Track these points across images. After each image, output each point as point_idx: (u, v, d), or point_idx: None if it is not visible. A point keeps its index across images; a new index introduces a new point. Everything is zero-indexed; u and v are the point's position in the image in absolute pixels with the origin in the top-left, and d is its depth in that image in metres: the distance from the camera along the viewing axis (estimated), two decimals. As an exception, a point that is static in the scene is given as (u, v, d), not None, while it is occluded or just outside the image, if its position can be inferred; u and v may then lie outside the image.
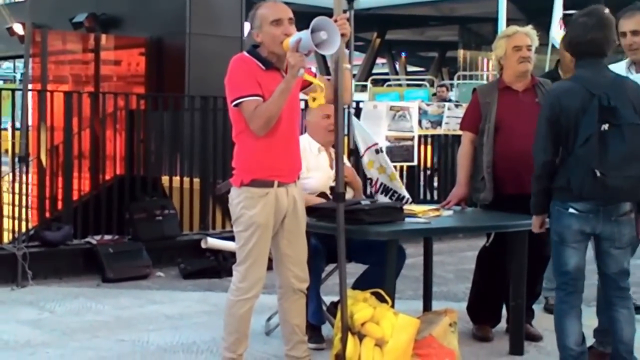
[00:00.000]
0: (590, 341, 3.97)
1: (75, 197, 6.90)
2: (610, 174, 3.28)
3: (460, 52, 28.28)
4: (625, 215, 3.44)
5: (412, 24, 30.18)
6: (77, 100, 6.64)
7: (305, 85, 3.62)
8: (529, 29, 4.50)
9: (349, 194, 4.50)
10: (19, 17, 12.02)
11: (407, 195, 5.29)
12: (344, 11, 3.61)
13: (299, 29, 3.44)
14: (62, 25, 11.00)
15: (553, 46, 9.80)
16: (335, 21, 3.44)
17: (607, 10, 3.55)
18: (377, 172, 5.27)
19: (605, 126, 3.30)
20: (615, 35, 3.57)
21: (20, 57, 11.61)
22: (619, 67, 3.99)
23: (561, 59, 5.13)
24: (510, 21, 8.65)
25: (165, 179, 7.30)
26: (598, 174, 3.28)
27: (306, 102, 6.12)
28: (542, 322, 4.59)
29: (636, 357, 3.58)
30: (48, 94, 6.85)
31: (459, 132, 4.85)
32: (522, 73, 4.40)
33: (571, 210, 3.45)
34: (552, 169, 3.50)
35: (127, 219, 6.61)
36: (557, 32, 9.57)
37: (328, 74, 3.62)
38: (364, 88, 22.08)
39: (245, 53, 3.56)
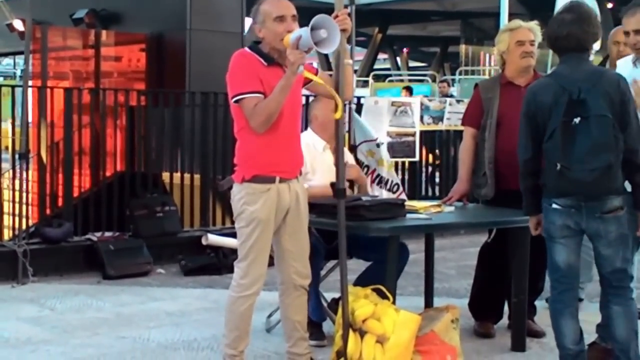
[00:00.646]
0: (593, 336, 3.97)
1: (75, 193, 6.90)
2: (574, 167, 3.26)
3: (462, 47, 28.22)
4: (611, 213, 3.37)
5: (413, 19, 30.13)
6: (77, 97, 6.64)
7: (308, 81, 3.62)
8: (533, 24, 4.48)
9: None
10: (19, 13, 12.01)
11: (399, 182, 5.34)
12: (345, 6, 3.60)
13: (301, 24, 3.44)
14: (62, 22, 11.00)
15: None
16: (336, 17, 3.44)
17: (586, 5, 3.54)
18: (377, 164, 5.31)
19: (577, 120, 3.28)
20: (597, 29, 3.54)
21: (21, 53, 11.59)
22: (626, 62, 3.96)
23: (609, 54, 5.02)
24: (512, 16, 8.60)
25: (165, 176, 7.30)
26: (559, 167, 3.28)
27: (307, 97, 6.15)
28: (544, 318, 4.58)
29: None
30: (48, 90, 6.85)
31: (461, 128, 4.84)
32: (525, 68, 4.39)
33: (554, 205, 3.44)
34: (534, 167, 3.49)
35: (128, 215, 6.61)
36: None
37: (330, 69, 3.62)
38: (365, 84, 22.06)
39: (246, 49, 3.55)
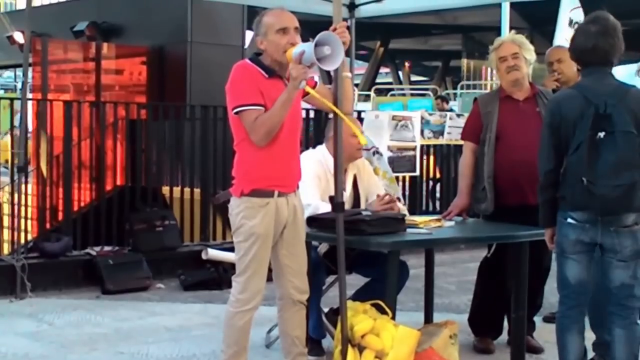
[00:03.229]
0: (590, 354, 3.96)
1: (75, 207, 6.91)
2: (599, 182, 3.24)
3: (464, 61, 28.33)
4: (627, 227, 3.35)
5: (415, 33, 30.26)
6: (77, 110, 6.66)
7: (306, 93, 3.62)
8: (514, 35, 4.54)
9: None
10: (19, 25, 12.08)
11: (400, 196, 5.36)
12: (345, 19, 3.61)
13: (301, 36, 3.46)
14: (63, 34, 11.05)
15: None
16: (335, 29, 3.45)
17: (611, 17, 3.52)
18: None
19: (602, 134, 3.26)
20: (622, 41, 3.49)
21: (21, 65, 11.65)
22: (628, 72, 3.95)
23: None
24: (513, 30, 8.65)
25: (165, 190, 7.31)
26: (585, 181, 3.26)
27: (307, 110, 6.14)
28: (543, 333, 4.58)
29: None
30: (48, 103, 6.87)
31: (461, 142, 4.85)
32: (513, 82, 4.42)
33: (569, 220, 3.41)
34: (555, 179, 3.45)
35: (127, 229, 6.61)
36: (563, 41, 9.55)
37: (330, 82, 3.63)
38: (367, 97, 22.13)
39: (247, 60, 3.54)
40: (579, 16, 9.08)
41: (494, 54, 4.47)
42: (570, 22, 9.47)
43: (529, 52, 4.43)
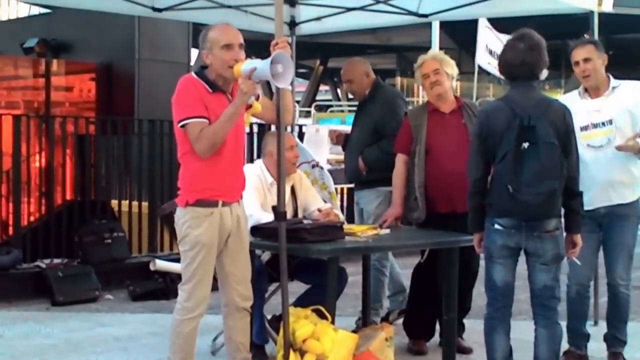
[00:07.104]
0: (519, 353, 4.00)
1: (25, 221, 6.73)
2: (522, 190, 3.30)
3: (398, 79, 28.61)
4: (549, 233, 3.42)
5: (352, 53, 30.43)
6: (26, 125, 6.49)
7: (250, 106, 3.59)
8: (434, 52, 4.61)
9: None
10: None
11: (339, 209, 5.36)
12: (286, 36, 3.61)
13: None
14: (13, 51, 10.83)
15: (481, 72, 10.02)
16: (276, 44, 3.44)
17: (537, 34, 3.56)
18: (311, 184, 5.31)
19: (525, 144, 3.32)
20: (546, 57, 3.56)
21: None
22: (572, 96, 4.05)
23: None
24: (442, 50, 8.78)
25: (114, 203, 7.18)
26: (511, 189, 3.31)
27: (251, 125, 6.07)
28: (472, 335, 4.63)
29: None
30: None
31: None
32: (436, 97, 4.47)
33: (496, 225, 3.46)
34: (483, 186, 3.50)
35: (76, 242, 6.47)
36: (483, 59, 9.86)
37: (272, 95, 3.62)
38: (308, 114, 22.18)
39: (193, 74, 3.51)
40: (494, 43, 9.51)
41: (418, 71, 4.53)
42: (486, 47, 9.88)
43: (450, 67, 4.49)
